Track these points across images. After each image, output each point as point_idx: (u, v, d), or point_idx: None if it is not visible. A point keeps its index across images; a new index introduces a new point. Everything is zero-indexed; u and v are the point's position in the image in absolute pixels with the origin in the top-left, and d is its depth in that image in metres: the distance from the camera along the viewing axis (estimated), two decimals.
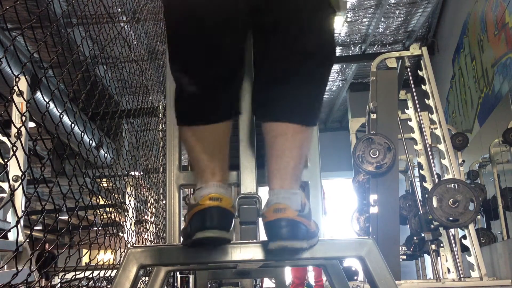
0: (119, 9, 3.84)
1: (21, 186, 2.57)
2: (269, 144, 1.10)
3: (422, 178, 4.64)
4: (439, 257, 4.31)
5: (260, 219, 1.09)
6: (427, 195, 3.95)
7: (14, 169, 2.87)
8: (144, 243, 4.02)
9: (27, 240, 2.92)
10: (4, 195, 3.70)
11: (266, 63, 1.10)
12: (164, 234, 3.10)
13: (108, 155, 3.06)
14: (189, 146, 1.12)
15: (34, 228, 11.19)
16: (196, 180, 1.12)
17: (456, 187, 3.81)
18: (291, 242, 1.01)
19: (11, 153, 1.73)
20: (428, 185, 4.42)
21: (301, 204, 1.06)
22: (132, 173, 3.82)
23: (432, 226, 4.09)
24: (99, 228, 2.64)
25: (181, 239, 1.15)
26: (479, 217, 6.21)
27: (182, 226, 1.18)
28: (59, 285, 2.43)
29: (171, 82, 1.48)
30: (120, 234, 3.29)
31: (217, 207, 1.03)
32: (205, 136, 1.10)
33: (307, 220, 1.05)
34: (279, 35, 1.07)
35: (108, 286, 2.86)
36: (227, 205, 1.05)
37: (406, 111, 4.95)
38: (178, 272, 3.67)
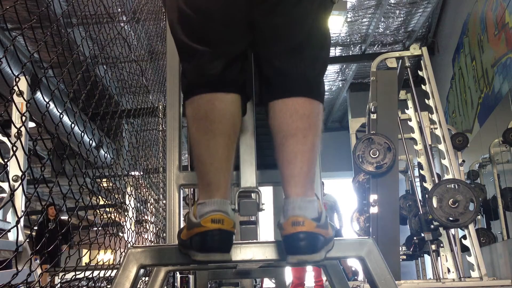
0: (119, 9, 3.83)
1: (21, 186, 2.57)
2: (279, 143, 1.08)
3: (422, 178, 4.64)
4: (439, 257, 4.31)
5: (279, 230, 1.07)
6: (427, 195, 3.95)
7: (14, 169, 2.88)
8: (144, 243, 4.02)
9: (27, 240, 2.92)
10: (4, 195, 3.70)
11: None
12: (164, 234, 3.10)
13: (108, 155, 3.06)
14: (202, 140, 1.09)
15: (34, 228, 11.17)
16: (199, 191, 1.10)
17: (456, 187, 3.80)
18: (310, 256, 1.00)
19: (11, 153, 1.73)
20: (428, 185, 4.42)
21: (317, 212, 1.04)
22: (132, 173, 3.82)
23: (432, 226, 4.08)
24: (99, 228, 2.63)
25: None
26: (479, 217, 6.21)
27: (182, 226, 1.18)
28: (59, 285, 2.43)
29: (171, 82, 1.48)
30: (120, 234, 3.29)
31: (219, 230, 1.01)
32: (221, 116, 1.08)
33: (324, 229, 1.03)
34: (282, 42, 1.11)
35: (108, 286, 2.86)
36: (229, 226, 1.03)
37: (406, 111, 4.95)
38: (178, 272, 3.67)
